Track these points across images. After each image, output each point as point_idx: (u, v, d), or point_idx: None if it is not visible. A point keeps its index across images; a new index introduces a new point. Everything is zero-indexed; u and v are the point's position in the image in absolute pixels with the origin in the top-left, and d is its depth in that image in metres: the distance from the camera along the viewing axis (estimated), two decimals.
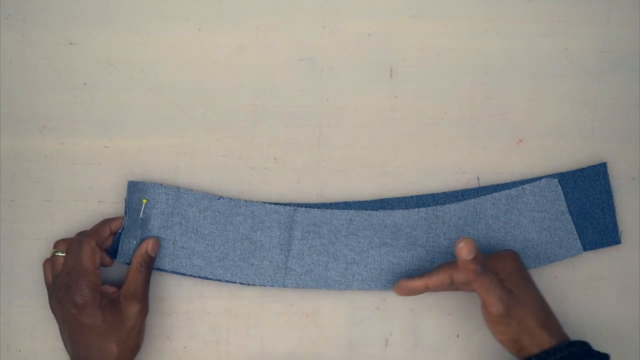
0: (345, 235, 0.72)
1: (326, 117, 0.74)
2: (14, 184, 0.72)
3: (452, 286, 0.67)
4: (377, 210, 0.72)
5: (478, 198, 0.72)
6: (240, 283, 0.71)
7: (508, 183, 0.73)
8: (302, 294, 0.72)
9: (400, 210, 0.72)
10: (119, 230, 0.69)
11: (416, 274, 0.71)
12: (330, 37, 0.74)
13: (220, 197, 0.71)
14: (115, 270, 0.71)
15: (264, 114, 0.73)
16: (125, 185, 0.71)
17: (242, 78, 0.73)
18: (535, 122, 0.74)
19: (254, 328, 0.72)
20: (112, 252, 0.69)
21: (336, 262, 0.72)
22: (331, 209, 0.72)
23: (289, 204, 0.72)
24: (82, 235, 0.67)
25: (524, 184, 0.72)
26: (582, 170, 0.72)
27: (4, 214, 0.72)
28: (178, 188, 0.71)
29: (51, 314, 0.68)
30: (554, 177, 0.72)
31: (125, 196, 0.70)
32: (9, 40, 0.73)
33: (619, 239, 0.72)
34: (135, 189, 0.70)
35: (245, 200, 0.72)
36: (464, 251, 0.62)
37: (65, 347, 0.67)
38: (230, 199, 0.72)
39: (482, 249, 0.71)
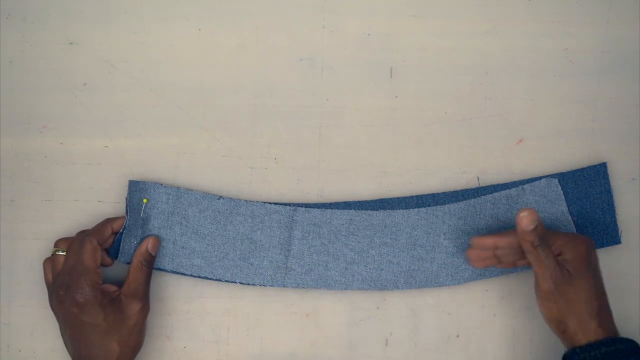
0: (345, 235, 0.72)
1: (326, 117, 0.74)
2: (14, 184, 0.72)
3: (517, 255, 0.67)
4: (377, 210, 0.72)
5: (478, 198, 0.72)
6: (240, 283, 0.71)
7: (508, 183, 0.73)
8: (302, 294, 0.72)
9: (400, 210, 0.72)
10: (120, 230, 0.69)
11: (418, 273, 0.71)
12: (330, 37, 0.74)
13: (220, 197, 0.71)
14: (116, 269, 0.71)
15: (264, 114, 0.73)
16: (125, 185, 0.71)
17: (242, 78, 0.73)
18: (535, 122, 0.74)
19: (254, 328, 0.72)
20: (112, 252, 0.69)
21: (336, 262, 0.72)
22: (331, 209, 0.72)
23: (289, 204, 0.72)
24: (84, 234, 0.67)
25: (524, 184, 0.72)
26: (582, 170, 0.72)
27: (4, 214, 0.72)
28: (178, 188, 0.71)
29: (51, 314, 0.68)
30: (554, 177, 0.72)
31: (126, 195, 0.70)
32: (9, 40, 0.73)
33: (619, 239, 0.72)
34: (136, 189, 0.70)
35: (245, 200, 0.72)
36: (525, 221, 0.62)
37: (66, 346, 0.67)
38: (230, 198, 0.72)
39: None
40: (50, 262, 0.68)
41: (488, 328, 0.72)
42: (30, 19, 0.73)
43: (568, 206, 0.72)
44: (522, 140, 0.74)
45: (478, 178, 0.73)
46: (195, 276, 0.71)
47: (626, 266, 0.73)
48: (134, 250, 0.69)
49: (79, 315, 0.65)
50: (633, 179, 0.74)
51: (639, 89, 0.74)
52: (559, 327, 0.65)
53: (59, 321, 0.67)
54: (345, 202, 0.72)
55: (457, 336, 0.72)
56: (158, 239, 0.70)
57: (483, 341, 0.72)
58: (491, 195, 0.72)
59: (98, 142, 0.73)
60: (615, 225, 0.72)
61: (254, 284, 0.71)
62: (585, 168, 0.72)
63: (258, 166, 0.73)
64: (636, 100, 0.74)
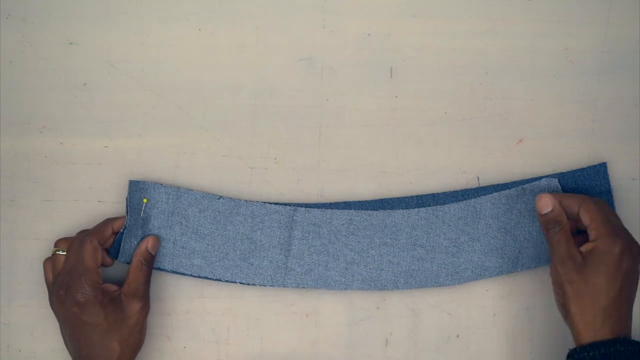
0: (345, 235, 0.72)
1: (326, 117, 0.74)
2: (14, 184, 0.73)
3: (572, 222, 0.67)
4: (377, 210, 0.72)
5: (478, 198, 0.72)
6: (240, 283, 0.71)
7: (508, 183, 0.73)
8: (302, 294, 0.72)
9: (400, 210, 0.72)
10: (120, 230, 0.69)
11: (418, 273, 0.71)
12: (330, 37, 0.74)
13: (220, 197, 0.71)
14: (116, 269, 0.71)
15: (264, 114, 0.73)
16: (125, 185, 0.71)
17: (242, 78, 0.74)
18: (535, 122, 0.74)
19: (254, 328, 0.72)
20: (112, 252, 0.69)
21: (336, 262, 0.72)
22: (331, 209, 0.72)
23: (289, 204, 0.72)
24: (84, 234, 0.67)
25: (524, 184, 0.72)
26: (582, 170, 0.72)
27: (4, 214, 0.72)
28: (178, 188, 0.71)
29: (51, 314, 0.68)
30: (554, 177, 0.72)
31: (126, 195, 0.70)
32: (9, 40, 0.73)
33: None
34: (136, 188, 0.70)
35: (245, 200, 0.72)
36: (539, 204, 0.66)
37: (67, 346, 0.67)
38: (230, 198, 0.72)
39: (482, 249, 0.71)
40: (50, 262, 0.68)
41: (488, 328, 0.72)
42: (30, 19, 0.73)
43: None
44: (522, 140, 0.74)
45: (478, 178, 0.73)
46: (195, 276, 0.71)
47: None
48: (134, 250, 0.69)
49: (79, 315, 0.65)
50: (633, 179, 0.74)
51: (639, 89, 0.74)
52: (565, 316, 0.65)
53: (59, 321, 0.67)
54: (345, 202, 0.72)
55: (457, 336, 0.72)
56: (158, 239, 0.70)
57: (483, 341, 0.72)
58: (491, 195, 0.72)
59: (98, 142, 0.73)
60: None
61: (254, 284, 0.71)
62: (585, 168, 0.72)
63: (258, 166, 0.73)
64: (636, 100, 0.74)
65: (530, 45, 0.74)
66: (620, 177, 0.73)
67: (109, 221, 0.69)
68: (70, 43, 0.73)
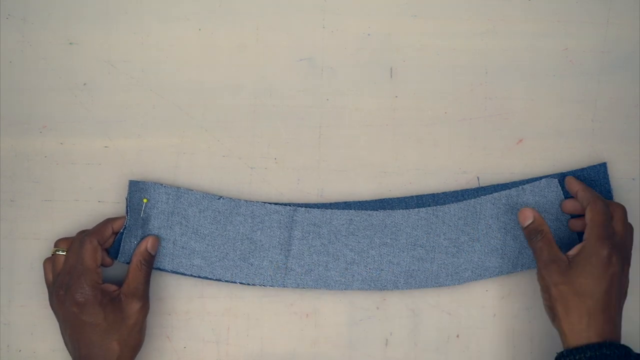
0: (345, 235, 0.72)
1: (326, 117, 0.74)
2: (14, 184, 0.73)
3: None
4: (377, 210, 0.72)
5: (478, 198, 0.72)
6: (240, 283, 0.71)
7: (508, 183, 0.73)
8: (302, 294, 0.72)
9: (400, 210, 0.72)
10: (120, 230, 0.69)
11: (418, 273, 0.71)
12: (330, 37, 0.74)
13: (220, 197, 0.71)
14: (116, 269, 0.71)
15: (264, 114, 0.73)
16: (125, 185, 0.71)
17: (242, 78, 0.74)
18: (535, 122, 0.74)
19: (254, 328, 0.72)
20: (112, 252, 0.69)
21: (336, 262, 0.72)
22: (331, 209, 0.72)
23: (289, 204, 0.72)
24: (84, 234, 0.67)
25: (524, 184, 0.72)
26: (582, 170, 0.72)
27: (4, 214, 0.72)
28: (178, 188, 0.71)
29: (51, 314, 0.68)
30: (554, 177, 0.72)
31: (126, 195, 0.70)
32: (9, 40, 0.73)
33: None
34: (136, 189, 0.70)
35: (245, 200, 0.72)
36: (520, 218, 0.69)
37: (66, 346, 0.67)
38: (230, 198, 0.72)
39: (482, 249, 0.71)
40: (50, 262, 0.68)
41: (488, 328, 0.72)
42: (30, 19, 0.73)
43: (563, 203, 0.72)
44: (522, 140, 0.74)
45: (478, 178, 0.73)
46: (195, 276, 0.71)
47: None
48: (134, 250, 0.69)
49: (79, 315, 0.65)
50: (633, 179, 0.74)
51: (639, 89, 0.74)
52: (553, 318, 0.65)
53: (59, 321, 0.67)
54: (345, 202, 0.72)
55: (457, 336, 0.72)
56: (157, 239, 0.70)
57: (483, 341, 0.72)
58: (491, 195, 0.72)
59: (98, 142, 0.73)
60: None
61: (254, 284, 0.71)
62: (585, 168, 0.72)
63: (258, 166, 0.73)
64: (636, 100, 0.74)
65: (530, 45, 0.74)
66: (620, 177, 0.73)
67: (109, 221, 0.69)
68: (70, 43, 0.73)
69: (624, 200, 0.73)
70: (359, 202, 0.72)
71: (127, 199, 0.70)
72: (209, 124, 0.73)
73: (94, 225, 0.69)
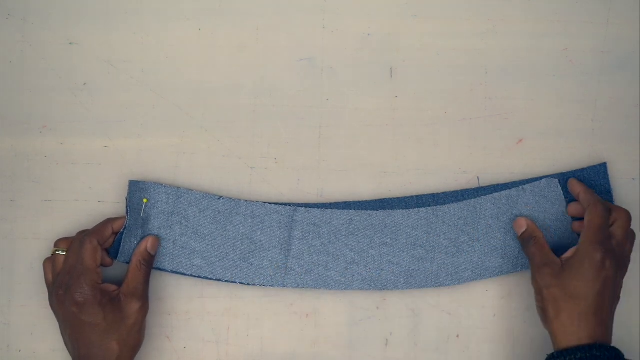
0: (345, 235, 0.72)
1: (326, 117, 0.74)
2: (14, 184, 0.73)
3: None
4: (377, 210, 0.72)
5: (478, 198, 0.72)
6: (240, 283, 0.71)
7: (508, 183, 0.73)
8: (302, 294, 0.72)
9: (400, 210, 0.72)
10: (120, 230, 0.69)
11: (418, 273, 0.71)
12: (330, 37, 0.74)
13: (220, 197, 0.71)
14: (116, 269, 0.71)
15: (264, 114, 0.73)
16: (125, 185, 0.71)
17: (242, 78, 0.74)
18: (535, 122, 0.74)
19: (254, 328, 0.72)
20: (112, 252, 0.69)
21: (336, 262, 0.72)
22: (331, 209, 0.72)
23: (289, 204, 0.72)
24: (84, 234, 0.67)
25: (524, 184, 0.72)
26: (582, 170, 0.72)
27: (4, 214, 0.72)
28: (178, 188, 0.71)
29: (51, 314, 0.68)
30: (554, 177, 0.72)
31: (126, 195, 0.70)
32: (9, 40, 0.73)
33: None
34: (136, 189, 0.70)
35: (245, 200, 0.72)
36: (515, 227, 0.71)
37: (66, 346, 0.67)
38: (230, 198, 0.72)
39: (482, 249, 0.71)
40: (50, 262, 0.68)
41: (488, 328, 0.72)
42: (30, 19, 0.73)
43: (568, 206, 0.72)
44: (522, 140, 0.74)
45: (478, 178, 0.73)
46: (195, 276, 0.71)
47: None
48: (134, 250, 0.69)
49: (78, 315, 0.65)
50: (633, 179, 0.74)
51: (639, 89, 0.74)
52: (544, 320, 0.66)
53: (59, 321, 0.67)
54: (345, 202, 0.72)
55: (457, 336, 0.72)
56: (157, 239, 0.70)
57: (483, 341, 0.72)
58: (491, 195, 0.72)
59: (98, 142, 0.73)
60: None
61: (254, 284, 0.71)
62: (585, 168, 0.72)
63: (258, 166, 0.73)
64: (636, 100, 0.74)
65: (530, 45, 0.74)
66: (620, 177, 0.73)
67: (109, 221, 0.69)
68: (70, 43, 0.73)
69: (623, 200, 0.73)
70: (359, 202, 0.72)
71: (127, 199, 0.70)
72: (209, 124, 0.73)
73: (94, 225, 0.69)
